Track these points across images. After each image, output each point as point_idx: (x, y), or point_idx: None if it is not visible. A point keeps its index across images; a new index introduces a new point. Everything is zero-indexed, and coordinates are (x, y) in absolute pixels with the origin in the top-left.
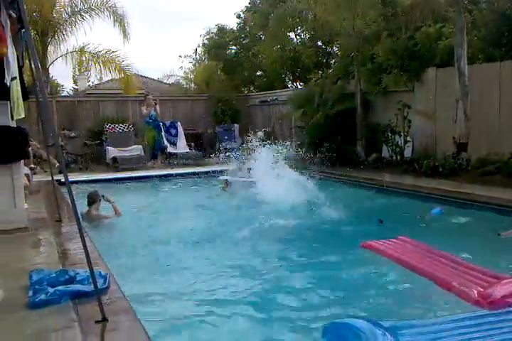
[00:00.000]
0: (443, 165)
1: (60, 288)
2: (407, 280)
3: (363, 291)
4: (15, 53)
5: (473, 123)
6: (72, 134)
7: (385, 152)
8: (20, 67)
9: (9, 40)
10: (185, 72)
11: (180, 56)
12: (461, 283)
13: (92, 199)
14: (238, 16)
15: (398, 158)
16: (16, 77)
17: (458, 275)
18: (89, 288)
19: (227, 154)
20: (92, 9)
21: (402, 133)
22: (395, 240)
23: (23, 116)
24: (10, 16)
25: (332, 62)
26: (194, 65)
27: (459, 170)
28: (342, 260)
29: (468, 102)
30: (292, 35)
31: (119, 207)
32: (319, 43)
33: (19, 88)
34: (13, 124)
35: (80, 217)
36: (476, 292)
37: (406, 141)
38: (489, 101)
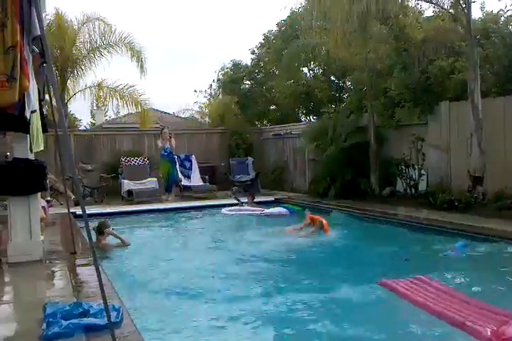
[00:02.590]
0: (459, 199)
1: (73, 321)
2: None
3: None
4: (36, 87)
5: (489, 157)
6: (89, 167)
7: (399, 185)
8: (40, 101)
9: (31, 75)
10: (199, 106)
11: (195, 91)
12: (473, 322)
13: (100, 229)
14: (252, 52)
15: (413, 191)
16: (35, 110)
17: (471, 315)
18: (103, 321)
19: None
20: (111, 45)
21: (416, 167)
22: (412, 280)
23: (42, 148)
24: (33, 51)
25: (345, 96)
26: (209, 100)
27: (475, 204)
28: (356, 298)
29: (482, 136)
30: (305, 69)
31: (124, 237)
32: (332, 78)
33: (39, 121)
34: (32, 157)
35: None
36: (488, 330)
37: (420, 175)
38: (504, 135)
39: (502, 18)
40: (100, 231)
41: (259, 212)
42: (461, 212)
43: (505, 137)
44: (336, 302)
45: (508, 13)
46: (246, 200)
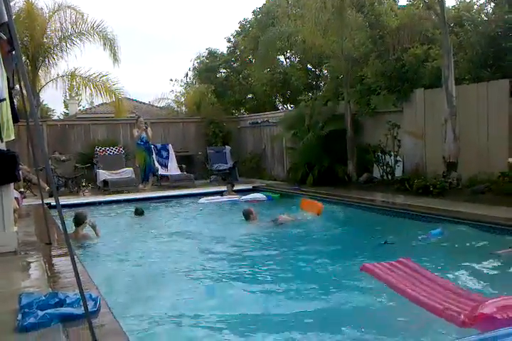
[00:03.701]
0: (434, 184)
1: (49, 311)
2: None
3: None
4: (4, 75)
5: (463, 142)
6: (63, 158)
7: (376, 172)
8: (10, 90)
9: None
10: (176, 95)
11: (171, 80)
12: (448, 307)
13: (80, 220)
14: (228, 40)
15: (389, 177)
16: (4, 99)
17: (445, 300)
18: (79, 310)
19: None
20: (83, 34)
21: (392, 153)
22: (394, 263)
23: (12, 138)
24: (0, 38)
25: (322, 84)
26: (185, 89)
27: (450, 189)
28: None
29: (456, 122)
30: (282, 58)
31: (98, 229)
32: (308, 66)
33: (9, 110)
34: (3, 147)
35: None
36: (461, 313)
37: (396, 161)
38: (477, 120)
39: (475, 6)
40: (79, 222)
41: (237, 198)
42: (436, 197)
43: (479, 123)
44: (317, 288)
45: (481, 1)
46: (225, 189)
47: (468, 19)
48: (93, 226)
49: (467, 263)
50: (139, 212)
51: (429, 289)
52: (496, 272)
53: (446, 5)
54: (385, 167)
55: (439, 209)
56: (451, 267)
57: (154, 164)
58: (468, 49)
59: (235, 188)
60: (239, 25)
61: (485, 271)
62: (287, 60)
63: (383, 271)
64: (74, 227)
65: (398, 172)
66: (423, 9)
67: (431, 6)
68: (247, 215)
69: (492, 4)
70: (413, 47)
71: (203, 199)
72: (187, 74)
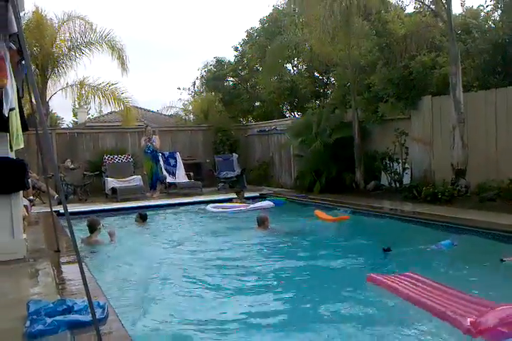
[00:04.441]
0: (442, 191)
1: (58, 318)
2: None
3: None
4: (14, 84)
5: (471, 149)
6: (72, 166)
7: (384, 179)
8: (19, 99)
9: (9, 72)
10: (183, 103)
11: (178, 88)
12: (456, 313)
13: (93, 227)
14: (236, 49)
15: (397, 185)
16: (14, 108)
17: (453, 306)
18: (87, 318)
19: (225, 183)
20: (92, 43)
21: (400, 161)
22: (401, 276)
23: (22, 146)
24: (10, 48)
25: (329, 91)
26: (193, 97)
27: (458, 196)
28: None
29: (464, 129)
30: (289, 66)
31: (115, 237)
32: (316, 74)
33: (18, 119)
34: (13, 155)
35: (80, 242)
36: (468, 320)
37: (404, 168)
38: (486, 127)
39: (482, 14)
40: (93, 228)
41: (244, 208)
42: (445, 205)
43: (487, 130)
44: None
45: (488, 9)
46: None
47: (475, 26)
48: (111, 234)
49: (476, 271)
50: (142, 217)
51: (438, 296)
52: (505, 279)
53: (453, 12)
54: (392, 174)
55: (447, 217)
56: (459, 275)
57: (162, 172)
58: (476, 56)
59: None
60: (246, 34)
61: (495, 278)
62: (294, 68)
63: (390, 281)
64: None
65: (406, 180)
66: (430, 17)
67: (438, 14)
68: (262, 222)
69: (499, 11)
70: (420, 55)
71: (209, 207)
72: (194, 83)
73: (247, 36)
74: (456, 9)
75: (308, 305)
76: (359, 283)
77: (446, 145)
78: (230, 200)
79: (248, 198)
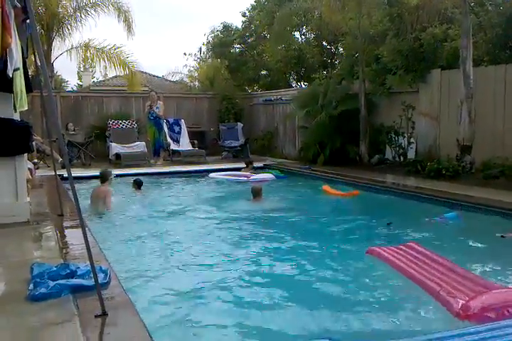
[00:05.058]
0: (446, 167)
1: (60, 281)
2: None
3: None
4: (19, 44)
5: (478, 126)
6: (72, 132)
7: (388, 153)
8: (24, 59)
9: (13, 31)
10: (189, 70)
11: (184, 54)
12: (449, 293)
13: (105, 177)
14: (243, 15)
15: (401, 159)
16: (18, 68)
17: (449, 284)
18: (90, 282)
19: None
20: (98, 5)
21: (405, 135)
22: (401, 247)
23: (26, 108)
24: (15, 7)
25: (336, 62)
26: (199, 63)
27: (463, 172)
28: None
29: (472, 105)
30: (297, 34)
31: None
32: (324, 43)
33: (22, 79)
34: (17, 117)
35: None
36: (459, 303)
37: (409, 143)
38: (494, 104)
39: None
40: (104, 179)
41: (245, 178)
42: (448, 181)
43: (495, 107)
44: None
45: None
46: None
47: None
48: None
49: (476, 245)
50: (137, 184)
51: (435, 271)
52: (502, 254)
53: None
54: (397, 148)
55: (449, 193)
56: (459, 249)
57: (166, 139)
58: (488, 30)
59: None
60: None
61: (492, 253)
62: (303, 37)
63: (389, 254)
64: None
65: (411, 154)
66: None
67: None
68: (256, 193)
69: None
70: (432, 27)
71: (213, 174)
72: (201, 49)
73: (255, 1)
74: None
75: (305, 278)
76: (359, 256)
77: (453, 121)
78: (236, 169)
79: (256, 168)
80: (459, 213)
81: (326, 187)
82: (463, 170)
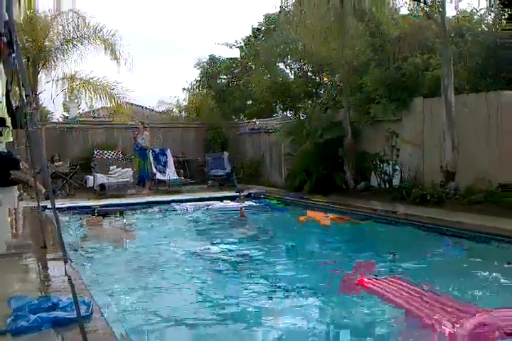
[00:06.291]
0: (431, 193)
1: (42, 314)
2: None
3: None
4: (4, 77)
5: (461, 152)
6: (60, 163)
7: (374, 180)
8: (8, 92)
9: None
10: (177, 100)
11: (183, 89)
12: (437, 321)
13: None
14: (230, 47)
15: (387, 186)
16: (0, 101)
17: (437, 313)
18: (72, 315)
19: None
20: (85, 37)
21: (390, 162)
22: (389, 279)
23: (10, 139)
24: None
25: (321, 91)
26: (186, 94)
27: (447, 198)
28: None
29: (455, 132)
30: (282, 65)
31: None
32: (309, 73)
33: (5, 112)
34: (3, 149)
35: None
36: (446, 331)
37: (394, 170)
38: (476, 130)
39: (475, 17)
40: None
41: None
42: (434, 207)
43: (477, 133)
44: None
45: (481, 12)
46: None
47: (468, 29)
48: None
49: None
50: (100, 215)
51: (422, 301)
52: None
53: (447, 15)
54: (382, 175)
55: (434, 219)
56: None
57: (152, 169)
58: (468, 59)
59: (231, 194)
60: (243, 39)
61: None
62: (287, 67)
63: (378, 285)
64: None
65: (396, 181)
66: (424, 19)
67: (432, 16)
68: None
69: (492, 15)
70: (413, 56)
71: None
72: (193, 83)
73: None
74: (450, 12)
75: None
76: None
77: (436, 148)
78: (223, 198)
79: (233, 197)
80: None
81: (311, 212)
82: (447, 195)
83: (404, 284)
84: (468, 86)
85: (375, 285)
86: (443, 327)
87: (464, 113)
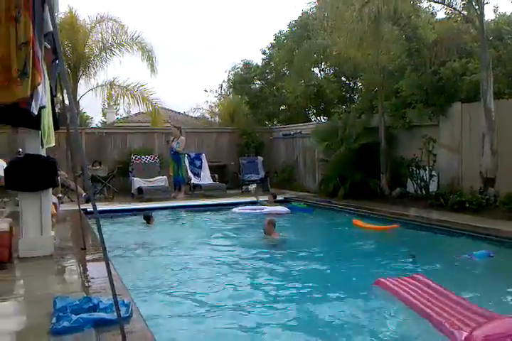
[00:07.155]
0: (470, 200)
1: (83, 315)
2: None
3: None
4: (47, 83)
5: (501, 158)
6: (99, 167)
7: (410, 186)
8: (52, 98)
9: (44, 71)
10: (210, 106)
11: (205, 90)
12: (452, 325)
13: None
14: (263, 52)
15: (423, 192)
16: (44, 106)
17: (454, 316)
18: (112, 316)
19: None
20: (122, 45)
21: (427, 168)
22: (408, 279)
23: (53, 144)
24: (45, 48)
25: (356, 96)
26: (219, 99)
27: (486, 205)
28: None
29: (494, 137)
30: (316, 70)
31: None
32: (343, 78)
33: (50, 117)
34: (44, 153)
35: None
36: (463, 335)
37: (431, 176)
38: None
39: None
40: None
41: (258, 211)
42: (472, 214)
43: None
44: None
45: None
46: (266, 199)
47: (507, 33)
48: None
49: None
50: (146, 218)
51: (440, 304)
52: None
53: (486, 18)
54: (419, 181)
55: (474, 227)
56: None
57: (187, 173)
58: (508, 63)
59: (264, 199)
60: (274, 38)
61: None
62: (322, 73)
63: (396, 285)
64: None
65: (433, 187)
66: (461, 22)
67: (470, 20)
68: (265, 229)
69: None
70: (451, 61)
71: (236, 209)
72: (221, 86)
73: (274, 40)
74: (489, 15)
75: (312, 308)
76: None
77: (475, 153)
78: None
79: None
80: (489, 252)
81: (356, 220)
82: (487, 202)
83: (425, 282)
84: (508, 90)
85: (391, 285)
86: (460, 332)
87: (503, 118)
